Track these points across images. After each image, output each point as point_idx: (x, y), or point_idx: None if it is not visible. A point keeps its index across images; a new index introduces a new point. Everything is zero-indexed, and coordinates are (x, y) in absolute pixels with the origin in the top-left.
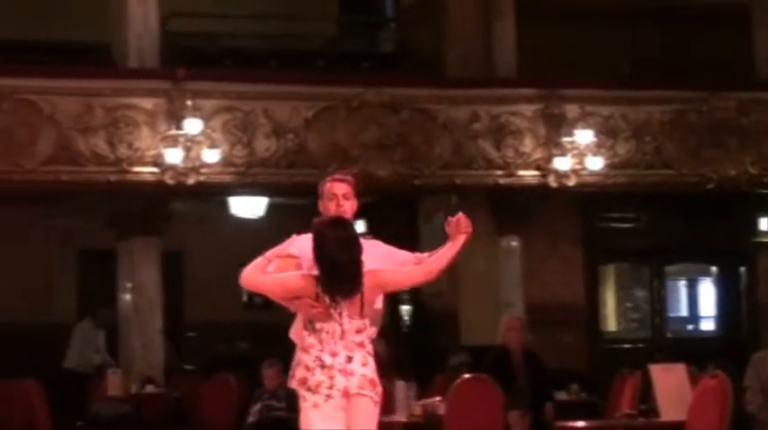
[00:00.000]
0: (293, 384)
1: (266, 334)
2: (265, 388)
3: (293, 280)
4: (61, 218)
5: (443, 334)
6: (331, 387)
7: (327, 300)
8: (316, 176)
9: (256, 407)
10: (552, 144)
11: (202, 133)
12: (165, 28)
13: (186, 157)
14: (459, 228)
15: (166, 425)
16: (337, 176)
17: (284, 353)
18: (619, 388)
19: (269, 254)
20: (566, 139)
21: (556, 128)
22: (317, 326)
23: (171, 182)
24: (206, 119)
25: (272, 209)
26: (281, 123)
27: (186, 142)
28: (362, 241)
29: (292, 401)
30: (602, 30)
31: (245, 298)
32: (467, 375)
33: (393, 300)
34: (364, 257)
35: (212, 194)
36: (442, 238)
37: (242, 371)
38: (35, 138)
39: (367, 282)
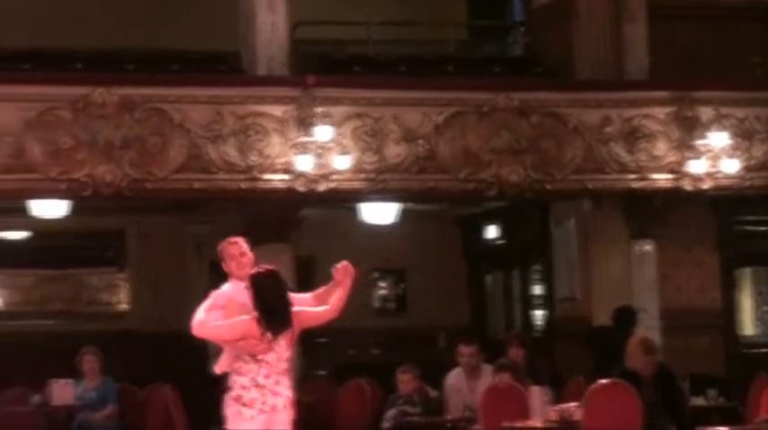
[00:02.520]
0: (230, 402)
1: (397, 339)
2: (399, 393)
3: (240, 324)
4: (194, 226)
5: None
6: (264, 403)
7: (270, 336)
8: (447, 182)
9: (391, 412)
10: (686, 147)
11: (333, 140)
12: (293, 35)
13: (317, 164)
14: (346, 274)
15: None
16: (231, 240)
17: (416, 357)
18: (757, 392)
19: (204, 307)
20: (700, 142)
21: (689, 130)
22: (259, 357)
23: (302, 189)
24: (336, 125)
25: (402, 215)
26: (411, 129)
27: (317, 149)
28: None
29: (428, 406)
30: (734, 30)
31: (376, 303)
32: (603, 380)
33: (525, 305)
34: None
35: (343, 201)
36: (574, 243)
37: (373, 376)
38: (167, 147)
39: (294, 320)
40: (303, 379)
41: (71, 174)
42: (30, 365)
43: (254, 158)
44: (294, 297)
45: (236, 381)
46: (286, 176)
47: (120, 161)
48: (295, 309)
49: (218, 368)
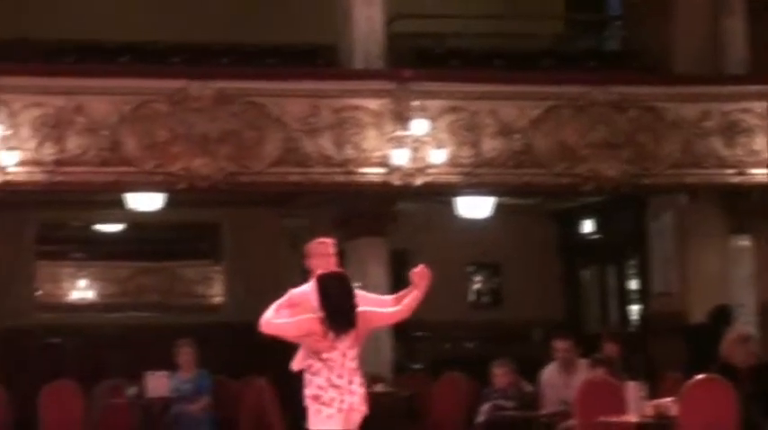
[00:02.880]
0: (307, 400)
1: (492, 333)
2: (494, 387)
3: (304, 322)
4: (289, 219)
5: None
6: (342, 402)
7: (332, 335)
8: (543, 176)
9: (486, 406)
10: None
11: (429, 134)
12: (390, 29)
13: (413, 158)
14: (423, 277)
15: (396, 424)
16: (320, 240)
17: (511, 352)
18: None
19: (275, 306)
20: None
21: None
22: (325, 356)
23: (397, 182)
24: (432, 119)
25: (498, 209)
26: (508, 123)
27: (413, 143)
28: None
29: (523, 400)
30: None
31: (472, 297)
32: (700, 375)
33: (620, 300)
34: (357, 301)
35: (439, 195)
36: (670, 237)
37: (469, 370)
38: (263, 140)
39: (359, 321)
40: (399, 372)
41: (167, 168)
42: (126, 357)
43: (350, 152)
44: (371, 298)
45: (312, 381)
46: (382, 170)
47: (216, 154)
48: (361, 309)
49: (294, 365)
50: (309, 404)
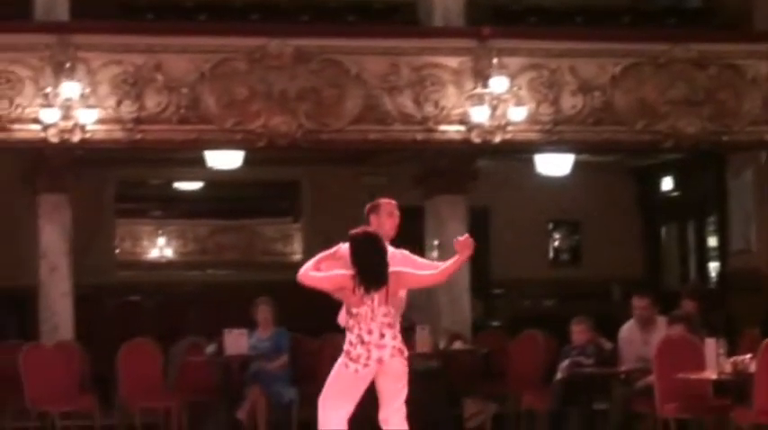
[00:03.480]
0: (342, 354)
1: (571, 291)
2: (573, 344)
3: (337, 277)
4: (368, 176)
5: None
6: (368, 358)
7: (362, 291)
8: (623, 133)
9: (564, 363)
10: None
11: (508, 91)
12: None
13: (492, 116)
14: (465, 246)
15: (474, 381)
16: (388, 200)
17: (590, 310)
18: None
19: (317, 257)
20: None
21: None
22: (354, 311)
23: (477, 140)
24: (512, 77)
25: (577, 166)
26: (588, 80)
27: (492, 100)
28: (391, 249)
29: (601, 357)
30: None
31: (551, 254)
32: None
33: (700, 257)
34: (392, 261)
35: (518, 152)
36: (750, 195)
37: (548, 327)
38: (343, 98)
39: (391, 279)
40: (478, 329)
41: (246, 125)
42: (204, 315)
43: (429, 109)
44: (417, 260)
45: (347, 337)
46: (461, 128)
47: (296, 112)
48: (394, 269)
49: (340, 320)
50: (341, 358)
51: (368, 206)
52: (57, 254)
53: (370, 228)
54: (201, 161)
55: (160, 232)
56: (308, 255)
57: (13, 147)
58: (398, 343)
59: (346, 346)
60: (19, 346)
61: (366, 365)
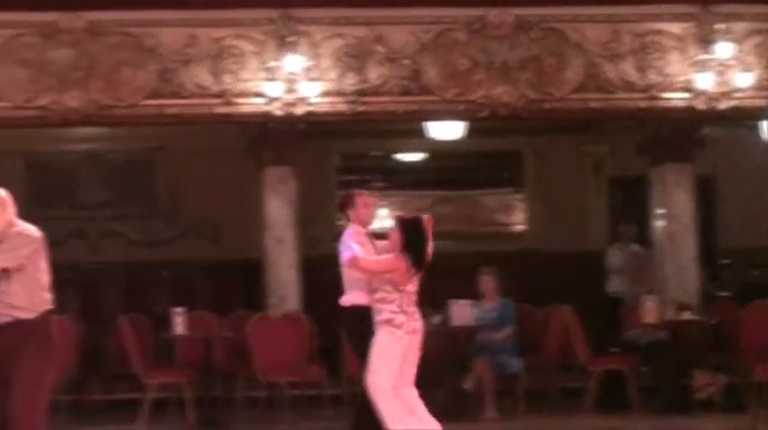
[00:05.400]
0: (378, 325)
1: None
2: None
3: (391, 260)
4: (591, 145)
5: None
6: (410, 326)
7: (413, 271)
8: None
9: None
10: None
11: (734, 57)
12: None
13: (717, 82)
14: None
15: (703, 352)
16: (365, 192)
17: None
18: None
19: (356, 246)
20: None
21: None
22: (400, 288)
23: (702, 107)
24: (737, 42)
25: None
26: None
27: (717, 66)
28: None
29: None
30: None
31: None
32: None
33: None
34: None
35: (745, 119)
36: None
37: None
38: (563, 67)
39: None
40: (707, 300)
41: (467, 96)
42: (427, 286)
43: (652, 77)
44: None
45: (384, 309)
46: (686, 95)
47: (517, 82)
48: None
49: (352, 300)
50: (381, 327)
51: (342, 199)
52: (283, 226)
53: (412, 214)
54: (423, 132)
55: (382, 203)
56: (531, 225)
57: (239, 120)
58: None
59: (386, 316)
60: (247, 317)
61: (408, 333)
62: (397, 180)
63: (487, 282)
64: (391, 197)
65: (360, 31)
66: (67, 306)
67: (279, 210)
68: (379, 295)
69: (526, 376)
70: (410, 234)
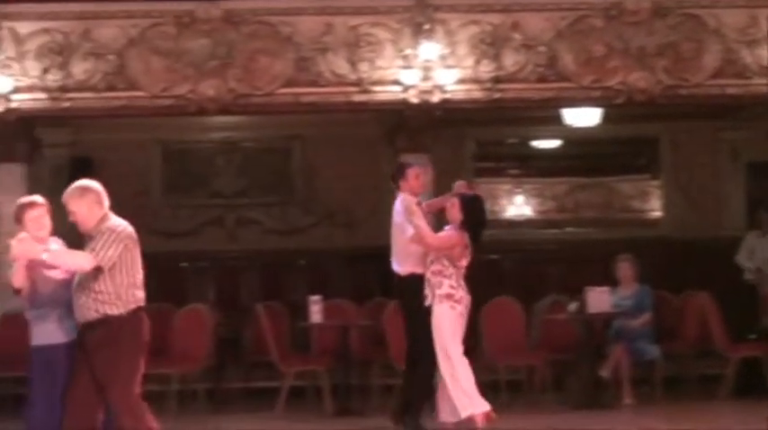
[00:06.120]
0: (438, 298)
1: None
2: None
3: (454, 236)
4: (728, 131)
5: None
6: (466, 299)
7: (470, 247)
8: None
9: None
10: None
11: None
12: None
13: None
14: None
15: None
16: (416, 165)
17: None
18: None
19: (421, 223)
20: None
21: None
22: (457, 263)
23: None
24: None
25: None
26: None
27: None
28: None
29: None
30: None
31: None
32: None
33: None
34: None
35: None
36: None
37: None
38: (701, 53)
39: None
40: None
41: (604, 82)
42: (563, 273)
43: None
44: None
45: (443, 282)
46: None
47: (654, 68)
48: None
49: (402, 270)
50: (440, 301)
51: (394, 170)
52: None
53: (472, 192)
54: (559, 119)
55: (518, 190)
56: (667, 212)
57: (375, 108)
58: None
59: (446, 291)
60: (383, 305)
61: (466, 306)
62: (532, 167)
63: (624, 268)
64: (526, 184)
65: (496, 18)
66: (204, 294)
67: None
68: (435, 267)
69: (663, 363)
70: (470, 212)
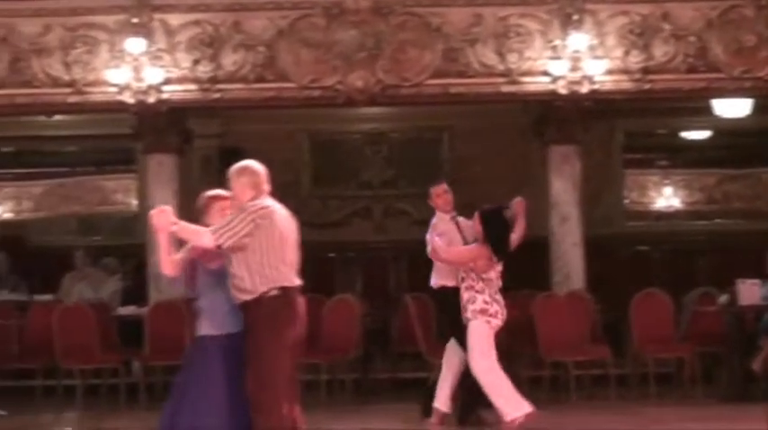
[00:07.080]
0: (471, 314)
1: None
2: None
3: (475, 249)
4: None
5: None
6: (501, 313)
7: (495, 259)
8: None
9: None
10: None
11: None
12: None
13: None
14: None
15: None
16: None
17: None
18: None
19: (436, 237)
20: None
21: None
22: (484, 276)
23: None
24: None
25: None
26: None
27: None
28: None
29: None
30: None
31: None
32: None
33: None
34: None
35: None
36: None
37: None
38: None
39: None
40: None
41: (755, 73)
42: (713, 265)
43: None
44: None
45: (476, 297)
46: None
47: None
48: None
49: (440, 281)
50: (474, 316)
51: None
52: (567, 204)
53: (493, 205)
54: (708, 110)
55: (667, 182)
56: None
57: (524, 99)
58: None
59: (480, 306)
60: (532, 296)
61: (500, 321)
62: (682, 158)
63: None
64: (676, 176)
65: (645, 9)
66: (352, 285)
67: (563, 188)
68: (467, 283)
69: None
70: (490, 225)
